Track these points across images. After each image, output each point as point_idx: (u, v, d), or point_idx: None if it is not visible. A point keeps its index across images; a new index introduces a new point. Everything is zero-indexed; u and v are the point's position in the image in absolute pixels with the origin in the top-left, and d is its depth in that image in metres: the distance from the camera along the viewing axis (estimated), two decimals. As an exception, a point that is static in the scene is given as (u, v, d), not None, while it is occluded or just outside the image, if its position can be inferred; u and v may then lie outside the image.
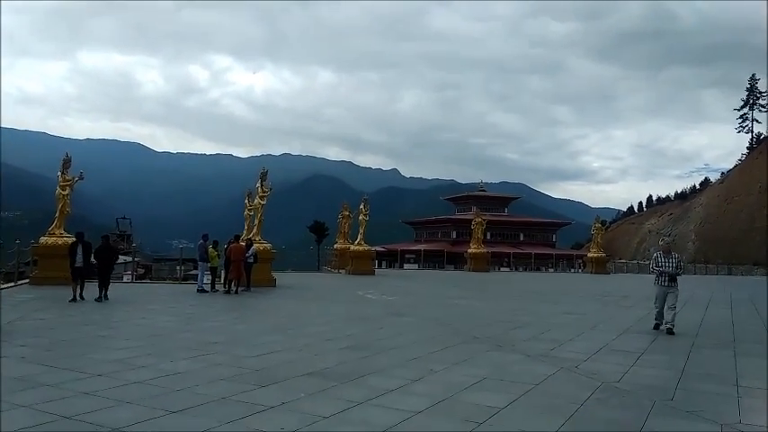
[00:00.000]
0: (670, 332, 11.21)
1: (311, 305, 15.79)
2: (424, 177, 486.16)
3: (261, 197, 21.27)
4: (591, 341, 10.49)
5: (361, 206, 32.21)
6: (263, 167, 21.85)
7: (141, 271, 59.41)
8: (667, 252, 12.05)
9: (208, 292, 18.27)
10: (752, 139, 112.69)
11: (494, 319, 13.32)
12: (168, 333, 10.35)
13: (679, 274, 11.76)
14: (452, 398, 6.26)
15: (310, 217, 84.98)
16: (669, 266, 11.64)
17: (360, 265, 30.73)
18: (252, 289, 18.81)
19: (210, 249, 19.28)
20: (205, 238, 19.09)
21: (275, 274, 23.84)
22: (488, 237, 46.45)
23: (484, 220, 42.28)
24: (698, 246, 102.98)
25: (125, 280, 28.01)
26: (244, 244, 19.07)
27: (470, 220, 44.87)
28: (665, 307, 11.55)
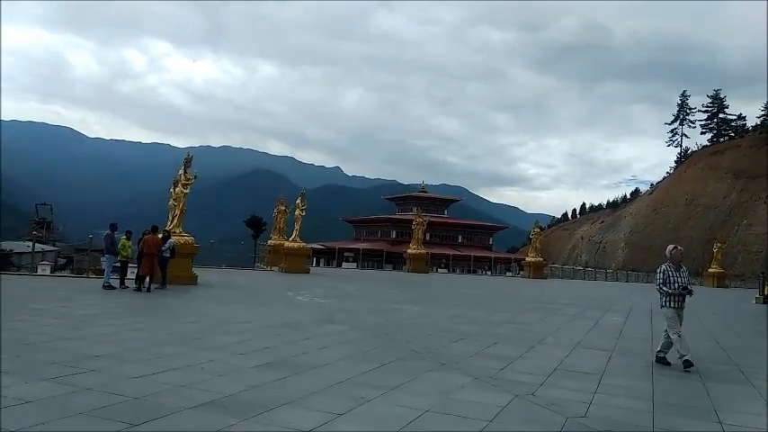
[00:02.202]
0: (689, 365, 8.76)
1: (231, 308, 13.99)
2: (366, 176, 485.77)
3: (183, 185, 19.28)
4: (543, 358, 9.33)
5: (298, 201, 30.48)
6: (187, 153, 19.83)
7: (63, 261, 55.17)
8: (678, 263, 9.42)
9: (115, 288, 16.16)
10: (680, 153, 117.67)
11: (435, 328, 12.02)
12: (42, 342, 8.43)
13: (691, 292, 9.31)
14: (386, 444, 4.83)
15: (250, 211, 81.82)
16: (682, 282, 9.21)
17: (294, 263, 29.00)
18: (167, 287, 16.85)
19: (123, 240, 17.15)
20: (113, 227, 16.94)
21: (198, 271, 21.91)
22: (427, 237, 45.62)
23: (425, 220, 41.33)
24: (627, 253, 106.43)
25: (40, 272, 25.28)
26: (160, 236, 17.07)
27: (411, 221, 43.88)
28: (671, 334, 9.14)
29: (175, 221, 19.40)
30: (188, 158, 19.58)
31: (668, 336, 9.25)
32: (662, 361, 9.32)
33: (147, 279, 16.23)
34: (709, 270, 47.61)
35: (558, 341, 11.36)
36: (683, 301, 9.30)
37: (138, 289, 16.04)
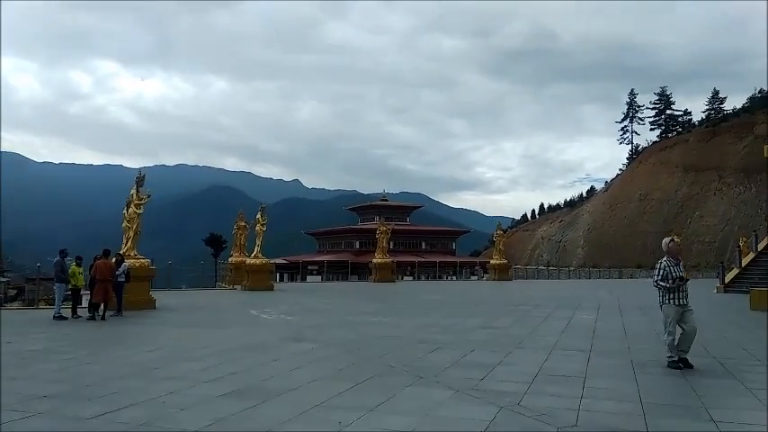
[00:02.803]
0: (686, 364, 8.49)
1: (192, 332, 13.28)
2: (326, 188, 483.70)
3: (136, 205, 18.40)
4: (522, 364, 9.04)
5: (258, 215, 29.71)
6: (139, 172, 18.97)
7: (13, 292, 52.48)
8: (677, 256, 8.91)
9: (67, 318, 15.20)
10: (632, 150, 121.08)
11: (408, 340, 11.62)
12: (-17, 384, 7.67)
13: (685, 279, 8.75)
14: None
15: (209, 230, 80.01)
16: (679, 275, 8.65)
17: (257, 280, 28.20)
18: (124, 313, 15.97)
19: (73, 266, 16.19)
20: (62, 254, 15.96)
21: (157, 294, 21.02)
22: (391, 246, 45.23)
23: (389, 228, 41.01)
24: (586, 250, 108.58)
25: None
26: (113, 261, 16.20)
27: (374, 230, 43.51)
28: (684, 331, 8.58)
29: (129, 244, 18.50)
30: (140, 177, 18.72)
31: (666, 333, 8.69)
32: (681, 365, 8.47)
33: (102, 307, 15.34)
34: (668, 262, 48.63)
35: (534, 344, 11.12)
36: (687, 297, 8.65)
37: (92, 318, 15.13)
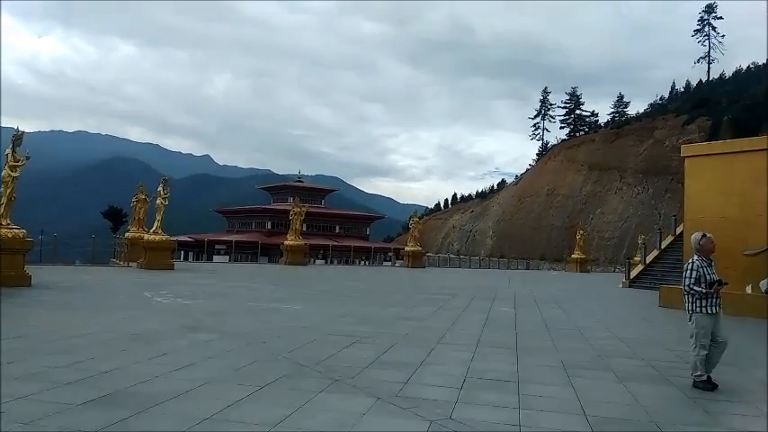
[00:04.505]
0: (706, 387, 7.05)
1: (68, 316, 11.39)
2: (239, 166, 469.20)
3: (11, 167, 15.93)
4: (448, 363, 8.15)
5: (160, 188, 27.29)
6: (16, 129, 16.43)
7: None
8: (709, 255, 7.46)
9: None
10: (542, 147, 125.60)
11: (320, 331, 10.45)
12: None
13: (723, 283, 7.22)
14: None
15: (111, 202, 74.52)
16: (717, 278, 7.22)
17: (155, 258, 25.91)
18: (-11, 291, 13.71)
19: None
20: None
21: (39, 270, 18.72)
22: (305, 228, 43.70)
23: (303, 210, 39.45)
24: (495, 241, 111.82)
25: None
26: (-22, 229, 13.86)
27: (287, 211, 41.79)
28: (717, 344, 7.19)
29: (2, 211, 16.00)
30: (17, 135, 16.18)
31: (697, 348, 7.17)
32: (711, 385, 7.07)
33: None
34: (573, 256, 50.43)
35: (457, 339, 10.30)
36: (720, 304, 7.25)
37: (-53, 295, 12.82)
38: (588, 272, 49.76)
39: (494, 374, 7.55)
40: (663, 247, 29.36)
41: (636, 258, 34.12)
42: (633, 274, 28.52)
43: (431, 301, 17.31)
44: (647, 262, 28.77)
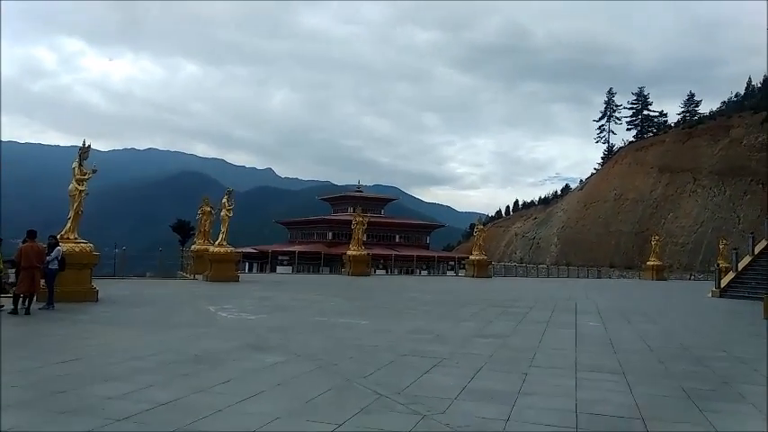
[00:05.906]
0: None
1: (129, 333, 10.88)
2: (299, 178, 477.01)
3: (78, 181, 15.85)
4: (550, 394, 6.98)
5: (224, 200, 27.21)
6: (83, 142, 16.37)
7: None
8: None
9: (-18, 312, 12.66)
10: (607, 150, 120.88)
11: (395, 352, 9.46)
12: None
13: None
14: None
15: (179, 216, 76.54)
16: None
17: (220, 271, 25.73)
18: (55, 306, 13.49)
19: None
20: (31, 235, 13.34)
21: (106, 284, 18.70)
22: (365, 238, 43.08)
23: (365, 220, 38.76)
24: (560, 248, 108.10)
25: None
26: (44, 245, 13.68)
27: (348, 221, 41.32)
28: None
29: (69, 225, 15.93)
30: (84, 149, 16.13)
31: None
32: None
33: (27, 299, 12.84)
34: (648, 263, 47.58)
35: (551, 362, 9.08)
36: None
37: (14, 311, 12.62)
38: (665, 279, 46.78)
39: (609, 408, 6.33)
40: (756, 252, 26.79)
41: (724, 265, 31.45)
42: (724, 282, 26.10)
43: (507, 314, 16.04)
44: (740, 269, 26.29)
